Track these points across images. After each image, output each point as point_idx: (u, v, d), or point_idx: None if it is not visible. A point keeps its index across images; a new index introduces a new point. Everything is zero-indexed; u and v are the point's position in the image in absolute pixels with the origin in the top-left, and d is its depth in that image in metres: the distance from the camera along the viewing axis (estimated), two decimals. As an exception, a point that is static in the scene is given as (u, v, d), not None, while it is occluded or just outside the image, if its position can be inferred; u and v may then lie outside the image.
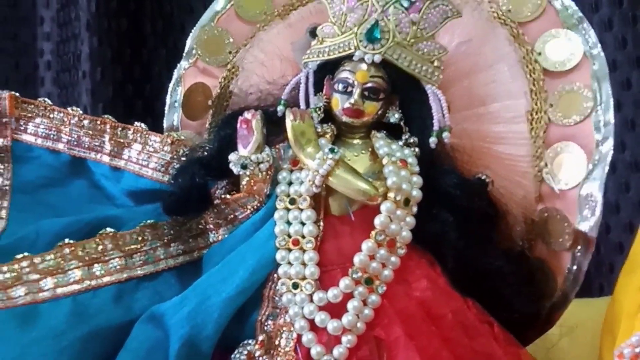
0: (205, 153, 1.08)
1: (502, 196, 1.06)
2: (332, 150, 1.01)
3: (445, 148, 1.04)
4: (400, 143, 1.04)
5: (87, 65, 1.65)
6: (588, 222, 1.05)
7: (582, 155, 1.07)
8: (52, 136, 1.14)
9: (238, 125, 1.05)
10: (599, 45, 1.09)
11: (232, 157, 1.04)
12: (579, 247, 1.06)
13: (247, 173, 1.04)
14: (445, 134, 1.03)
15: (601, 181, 1.06)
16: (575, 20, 1.10)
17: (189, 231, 1.07)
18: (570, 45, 1.09)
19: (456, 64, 1.09)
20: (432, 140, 1.03)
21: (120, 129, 1.14)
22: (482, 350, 0.99)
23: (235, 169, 1.04)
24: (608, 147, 1.06)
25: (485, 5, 1.13)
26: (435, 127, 1.03)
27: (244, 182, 1.06)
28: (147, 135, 1.14)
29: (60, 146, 1.14)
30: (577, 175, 1.07)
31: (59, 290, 1.02)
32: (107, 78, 1.65)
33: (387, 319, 0.98)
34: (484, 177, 1.06)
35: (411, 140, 1.04)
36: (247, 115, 1.04)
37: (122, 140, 1.14)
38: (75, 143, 1.14)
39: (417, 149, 1.04)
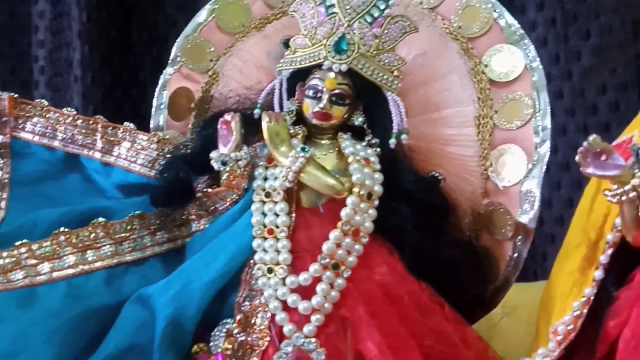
0: (189, 151, 1.07)
1: (453, 192, 1.07)
2: (303, 150, 1.01)
3: (404, 148, 1.05)
4: (364, 144, 1.04)
5: (78, 70, 1.62)
6: (528, 215, 1.07)
7: (523, 156, 1.08)
8: (48, 134, 1.12)
9: (219, 126, 1.04)
10: (538, 59, 1.10)
11: (213, 154, 1.03)
12: (519, 237, 1.07)
13: (227, 169, 1.04)
14: (404, 136, 1.03)
15: (539, 179, 1.07)
16: (517, 37, 1.11)
17: (174, 221, 1.06)
18: (513, 59, 1.10)
19: (413, 74, 1.10)
20: (392, 142, 1.03)
21: (110, 128, 1.12)
22: (434, 328, 1.00)
23: (216, 165, 1.04)
24: (545, 149, 1.08)
25: (438, 22, 1.13)
26: (395, 130, 1.03)
27: (223, 177, 1.05)
28: (135, 134, 1.12)
29: (56, 143, 1.12)
30: (518, 173, 1.08)
31: (55, 274, 1.00)
32: (97, 82, 1.62)
33: (352, 300, 0.98)
34: (437, 175, 1.07)
35: (373, 141, 1.05)
36: (227, 117, 1.04)
37: (112, 139, 1.12)
38: (69, 140, 1.12)
39: (378, 149, 1.04)
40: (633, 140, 0.96)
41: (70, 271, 1.01)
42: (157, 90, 1.17)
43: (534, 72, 1.09)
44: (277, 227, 1.00)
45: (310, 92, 1.03)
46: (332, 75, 1.03)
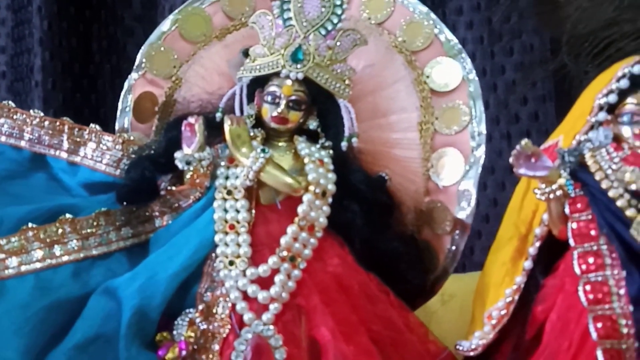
0: (154, 151, 1.05)
1: (398, 190, 1.08)
2: (263, 151, 1.00)
3: (354, 151, 1.05)
4: (318, 146, 1.04)
5: (39, 76, 1.56)
6: (465, 212, 1.09)
7: (461, 158, 1.10)
8: (15, 135, 1.08)
9: (183, 128, 1.02)
10: (474, 71, 1.12)
11: (177, 155, 1.02)
12: (457, 232, 1.09)
13: (191, 168, 1.02)
14: (354, 140, 1.04)
15: (475, 179, 1.09)
16: (456, 51, 1.13)
17: (138, 218, 1.04)
18: (452, 71, 1.12)
19: (363, 83, 1.10)
20: (344, 144, 1.04)
21: (77, 129, 1.09)
22: (381, 314, 1.00)
23: (180, 165, 1.02)
24: (481, 152, 1.10)
25: (385, 36, 1.14)
26: (346, 134, 1.04)
27: (187, 176, 1.03)
28: (100, 135, 1.09)
29: (23, 143, 1.08)
30: (457, 174, 1.10)
31: (23, 268, 0.96)
32: (58, 88, 1.57)
33: (307, 290, 0.98)
34: (384, 175, 1.08)
35: (327, 144, 1.05)
36: (191, 120, 1.02)
37: (78, 140, 1.08)
38: (36, 141, 1.08)
39: (331, 151, 1.04)
40: (559, 144, 0.99)
41: (38, 265, 0.97)
42: (122, 94, 1.14)
43: (470, 83, 1.12)
44: (238, 222, 0.99)
45: (269, 98, 1.03)
46: (289, 82, 1.02)
